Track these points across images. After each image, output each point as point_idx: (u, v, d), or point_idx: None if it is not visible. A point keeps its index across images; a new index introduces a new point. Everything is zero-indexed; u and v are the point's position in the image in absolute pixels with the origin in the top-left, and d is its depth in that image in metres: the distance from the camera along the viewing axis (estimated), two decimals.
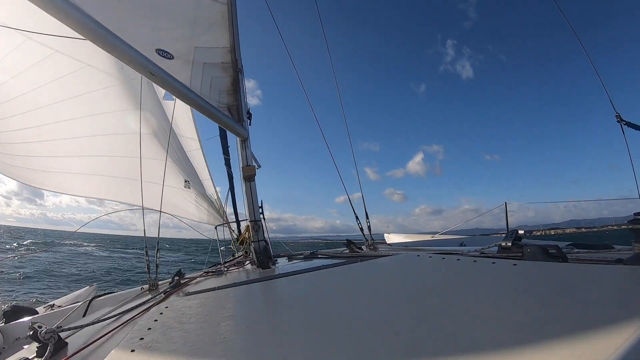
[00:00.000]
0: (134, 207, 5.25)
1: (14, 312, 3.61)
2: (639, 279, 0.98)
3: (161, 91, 5.11)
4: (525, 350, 0.69)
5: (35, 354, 1.37)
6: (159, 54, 2.84)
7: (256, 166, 3.16)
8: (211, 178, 5.81)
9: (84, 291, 5.68)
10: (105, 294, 3.94)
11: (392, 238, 5.02)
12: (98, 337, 1.57)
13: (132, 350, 1.05)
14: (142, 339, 1.15)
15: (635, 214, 1.14)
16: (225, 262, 3.58)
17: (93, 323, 1.85)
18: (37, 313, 3.91)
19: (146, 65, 2.39)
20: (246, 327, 1.17)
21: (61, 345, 1.50)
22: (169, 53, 2.91)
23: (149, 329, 1.25)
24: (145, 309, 1.92)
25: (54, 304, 4.68)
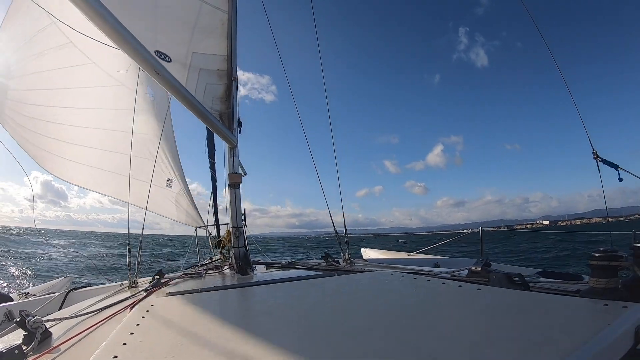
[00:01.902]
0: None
1: None
2: (586, 310, 1.08)
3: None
4: None
5: (21, 342, 1.38)
6: (157, 55, 2.88)
7: (242, 174, 3.23)
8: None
9: (58, 282, 5.59)
10: (83, 287, 3.90)
11: (369, 253, 5.12)
12: (81, 330, 1.58)
13: (124, 344, 1.09)
14: (132, 333, 1.19)
15: (593, 252, 1.24)
16: (203, 265, 3.60)
17: (77, 316, 1.85)
18: (12, 300, 3.84)
19: (153, 64, 2.44)
20: (231, 329, 1.23)
21: (46, 335, 1.51)
22: (167, 55, 2.95)
23: (138, 324, 1.30)
24: (128, 306, 1.95)
25: (28, 292, 4.59)
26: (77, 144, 5.22)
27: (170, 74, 2.55)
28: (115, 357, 1.00)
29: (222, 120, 3.18)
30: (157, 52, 2.88)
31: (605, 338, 0.85)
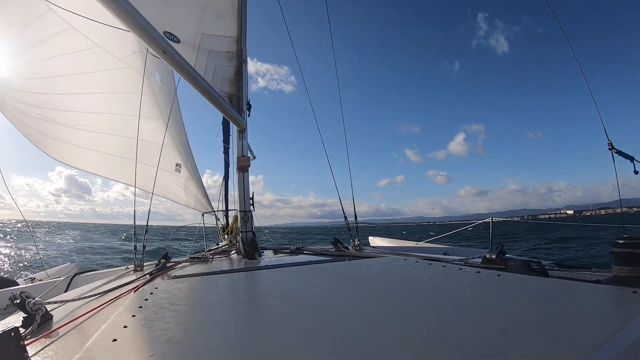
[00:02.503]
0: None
1: None
2: (614, 298, 1.04)
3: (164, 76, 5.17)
4: (501, 352, 0.74)
5: (21, 324, 1.35)
6: (166, 36, 2.84)
7: (251, 157, 3.19)
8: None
9: (64, 267, 5.62)
10: (88, 271, 3.91)
11: (376, 241, 5.07)
12: (84, 312, 1.55)
13: (125, 327, 1.06)
14: (134, 316, 1.16)
15: (616, 239, 1.20)
16: (210, 250, 3.58)
17: (79, 298, 1.82)
18: (17, 284, 3.86)
19: (161, 43, 2.38)
20: (237, 313, 1.20)
21: (47, 317, 1.48)
22: (176, 36, 2.90)
23: (140, 307, 1.27)
24: (132, 289, 1.91)
25: (34, 278, 4.63)
26: (84, 129, 5.22)
27: (178, 53, 2.49)
28: (115, 340, 0.96)
29: (232, 102, 3.14)
30: (165, 32, 2.84)
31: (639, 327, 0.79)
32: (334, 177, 4.14)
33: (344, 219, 3.82)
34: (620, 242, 1.18)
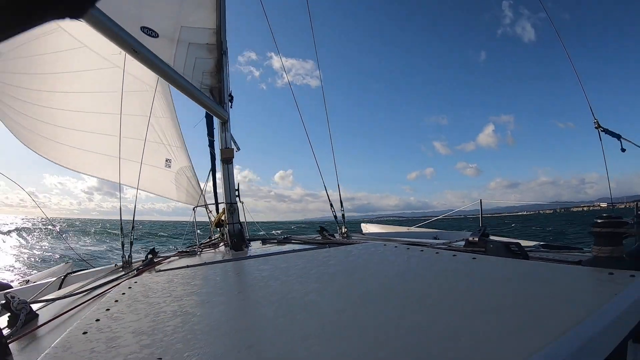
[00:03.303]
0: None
1: None
2: (590, 280, 1.01)
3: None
4: (462, 337, 0.73)
5: (6, 324, 1.39)
6: (143, 31, 2.82)
7: (235, 149, 3.19)
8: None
9: (58, 268, 5.63)
10: (79, 271, 3.94)
11: (368, 228, 5.10)
12: (68, 309, 1.60)
13: (97, 320, 1.09)
14: (108, 309, 1.19)
15: (595, 219, 1.17)
16: (201, 243, 3.61)
17: (65, 297, 1.88)
18: (11, 287, 3.88)
19: (129, 42, 2.36)
20: (207, 302, 1.22)
21: (32, 316, 1.53)
22: (154, 31, 2.88)
23: (116, 301, 1.30)
24: (115, 285, 1.95)
25: (28, 280, 4.65)
26: (72, 129, 5.21)
27: (150, 51, 2.48)
28: (85, 333, 0.99)
29: (213, 94, 3.13)
30: (143, 27, 2.82)
31: (613, 308, 0.78)
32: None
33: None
34: (599, 221, 1.15)
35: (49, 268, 6.26)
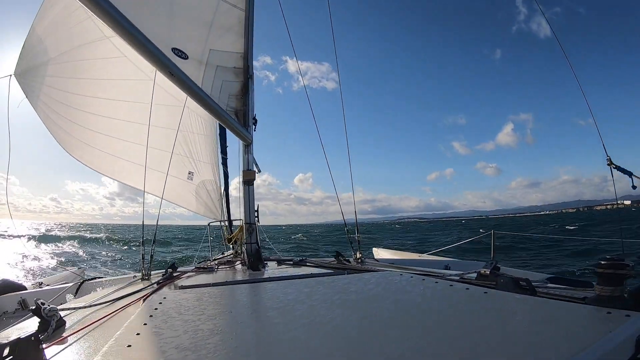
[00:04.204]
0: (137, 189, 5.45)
1: (3, 287, 3.69)
2: (589, 318, 1.09)
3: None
4: None
5: (37, 329, 1.41)
6: (174, 52, 2.92)
7: (256, 171, 3.25)
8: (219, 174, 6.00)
9: (70, 273, 5.77)
10: (95, 278, 4.04)
11: (380, 253, 5.10)
12: (94, 320, 1.64)
13: (138, 334, 1.15)
14: (145, 324, 1.25)
15: (599, 260, 1.24)
16: (215, 259, 3.67)
17: (90, 306, 1.93)
18: (26, 289, 3.99)
19: (167, 65, 2.47)
20: (241, 322, 1.29)
21: (61, 323, 1.57)
22: (184, 53, 2.99)
23: (151, 316, 1.36)
24: (140, 298, 2.02)
25: (41, 282, 4.79)
26: (106, 135, 5.40)
27: (186, 75, 2.58)
28: (129, 346, 1.05)
29: (238, 117, 3.21)
30: (174, 49, 2.93)
31: (604, 345, 0.86)
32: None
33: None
34: (603, 262, 1.23)
35: (60, 272, 6.43)
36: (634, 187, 2.68)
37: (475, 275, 1.97)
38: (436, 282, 1.72)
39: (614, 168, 2.76)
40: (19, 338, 1.05)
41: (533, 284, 1.61)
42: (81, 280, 3.72)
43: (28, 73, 4.81)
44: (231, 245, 3.74)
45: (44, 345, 1.22)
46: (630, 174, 2.72)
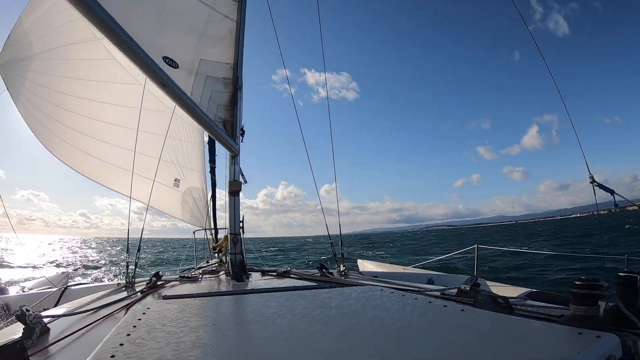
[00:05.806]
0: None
1: None
2: (560, 338, 1.11)
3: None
4: None
5: (21, 336, 1.40)
6: (165, 61, 2.92)
7: (242, 182, 3.26)
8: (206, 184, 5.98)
9: (54, 277, 5.67)
10: (79, 284, 3.98)
11: (365, 265, 5.14)
12: (78, 328, 1.64)
13: (121, 344, 1.15)
14: (128, 335, 1.25)
15: (576, 280, 1.29)
16: (200, 267, 3.65)
17: (73, 314, 1.92)
18: (7, 293, 3.92)
19: (160, 76, 2.47)
20: (222, 335, 1.30)
21: (45, 330, 1.56)
22: (174, 61, 2.99)
23: (134, 326, 1.35)
24: (124, 307, 2.03)
25: (24, 287, 4.70)
26: (90, 136, 5.35)
27: (177, 85, 2.58)
28: (113, 356, 1.05)
29: (225, 128, 3.22)
30: (165, 57, 2.92)
31: None
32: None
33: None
34: (578, 283, 1.27)
35: (41, 278, 6.32)
36: (615, 204, 2.77)
37: (456, 290, 2.00)
38: (416, 299, 1.74)
39: (596, 186, 2.84)
40: (4, 344, 1.06)
41: (512, 301, 1.65)
42: (65, 286, 3.66)
43: (11, 65, 4.72)
44: (216, 254, 3.73)
45: (28, 353, 1.22)
46: (612, 192, 2.82)
